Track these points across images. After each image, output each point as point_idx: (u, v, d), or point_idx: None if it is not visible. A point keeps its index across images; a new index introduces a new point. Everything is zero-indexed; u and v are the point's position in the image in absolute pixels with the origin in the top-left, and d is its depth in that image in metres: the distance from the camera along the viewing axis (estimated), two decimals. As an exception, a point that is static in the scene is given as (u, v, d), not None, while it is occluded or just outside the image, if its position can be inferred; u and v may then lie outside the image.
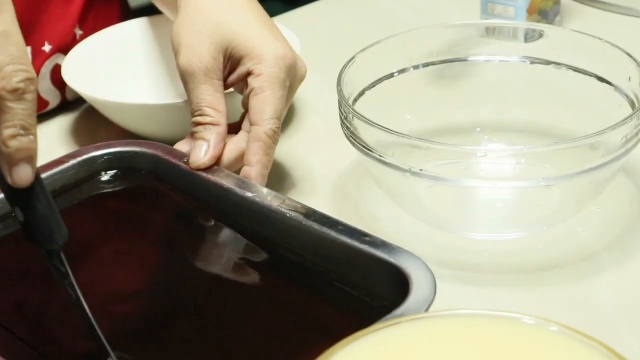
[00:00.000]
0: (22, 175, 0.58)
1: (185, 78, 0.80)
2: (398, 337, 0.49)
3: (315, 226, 0.69)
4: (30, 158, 0.58)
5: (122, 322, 0.69)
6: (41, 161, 0.78)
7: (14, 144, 0.57)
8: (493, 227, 0.78)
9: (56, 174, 0.78)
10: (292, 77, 0.80)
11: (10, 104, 0.56)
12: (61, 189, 0.78)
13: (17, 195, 0.59)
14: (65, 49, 0.97)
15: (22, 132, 0.57)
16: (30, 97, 0.57)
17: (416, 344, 0.49)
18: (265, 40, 0.80)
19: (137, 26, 1.01)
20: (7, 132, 0.57)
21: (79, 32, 0.99)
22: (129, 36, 1.01)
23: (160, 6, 0.98)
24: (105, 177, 0.80)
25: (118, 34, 1.01)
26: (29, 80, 0.57)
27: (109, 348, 0.62)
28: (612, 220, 0.79)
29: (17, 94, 0.56)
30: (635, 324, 0.69)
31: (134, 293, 0.72)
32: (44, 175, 0.76)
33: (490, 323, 0.49)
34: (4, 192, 0.59)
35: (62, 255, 0.61)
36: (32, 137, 0.58)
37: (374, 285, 0.65)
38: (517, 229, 0.78)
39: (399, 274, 0.63)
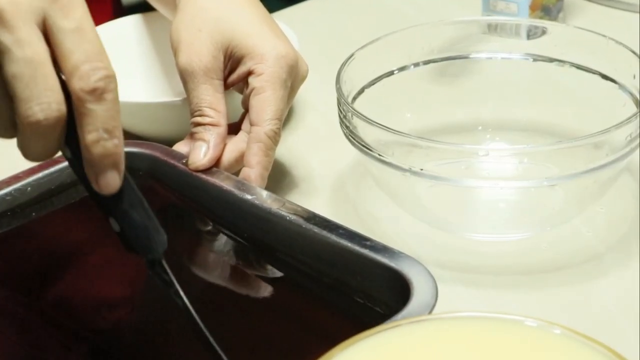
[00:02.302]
0: (110, 182, 0.55)
1: (185, 77, 0.79)
2: (398, 339, 0.49)
3: (315, 229, 0.69)
4: (117, 163, 0.55)
5: (118, 325, 0.69)
6: (28, 164, 0.78)
7: (97, 149, 0.54)
8: (495, 227, 0.78)
9: (51, 173, 0.78)
10: (294, 77, 0.80)
11: (90, 106, 0.54)
12: (57, 188, 0.78)
13: (109, 204, 0.56)
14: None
15: (105, 135, 0.54)
16: (111, 96, 0.54)
17: (416, 346, 0.49)
18: (266, 39, 0.80)
19: (130, 23, 1.01)
20: (90, 137, 0.54)
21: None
22: (122, 33, 1.01)
23: (155, 4, 0.98)
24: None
25: (112, 31, 1.00)
26: (107, 78, 0.54)
27: (224, 357, 0.59)
28: (616, 221, 0.79)
29: (96, 94, 0.54)
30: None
31: (129, 296, 0.72)
32: (38, 175, 0.77)
33: (492, 325, 0.49)
34: (95, 201, 0.57)
35: (164, 263, 0.58)
36: (116, 141, 0.55)
37: (374, 290, 0.65)
38: (519, 229, 0.78)
39: (400, 279, 0.63)
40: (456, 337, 0.49)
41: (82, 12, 0.55)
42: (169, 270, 0.58)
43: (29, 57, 0.53)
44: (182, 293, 0.58)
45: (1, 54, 0.53)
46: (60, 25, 0.54)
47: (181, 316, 0.68)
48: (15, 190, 0.76)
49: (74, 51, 0.54)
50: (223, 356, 0.58)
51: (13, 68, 0.53)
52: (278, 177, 0.86)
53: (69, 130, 0.55)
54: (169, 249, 0.75)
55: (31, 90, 0.53)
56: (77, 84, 0.53)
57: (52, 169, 0.78)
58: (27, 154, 0.56)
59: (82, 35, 0.54)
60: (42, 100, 0.53)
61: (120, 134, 0.55)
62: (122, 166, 0.56)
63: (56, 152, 0.56)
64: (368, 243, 0.66)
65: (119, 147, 0.55)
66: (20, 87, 0.53)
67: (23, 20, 0.53)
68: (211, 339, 0.59)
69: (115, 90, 0.54)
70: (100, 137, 0.54)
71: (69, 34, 0.54)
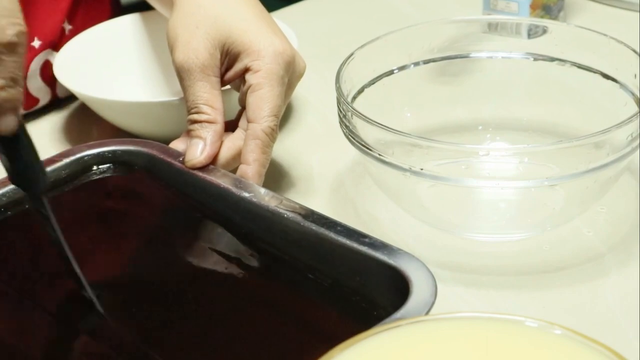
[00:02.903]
0: (9, 124, 0.62)
1: (181, 74, 0.79)
2: (397, 340, 0.49)
3: (313, 227, 0.69)
4: (16, 108, 0.62)
5: (109, 320, 0.69)
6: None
7: (1, 94, 0.61)
8: (495, 227, 0.78)
9: (48, 172, 0.78)
10: (291, 74, 0.80)
11: (2, 57, 0.59)
12: (53, 187, 0.78)
13: (3, 143, 0.64)
14: (54, 45, 0.97)
15: (10, 83, 0.60)
16: (22, 49, 0.60)
17: (416, 347, 0.49)
18: (263, 36, 0.80)
19: (129, 22, 1.01)
20: None
21: (67, 27, 0.99)
22: (121, 32, 1.01)
23: (153, 2, 0.98)
24: (98, 176, 0.80)
25: (110, 30, 1.01)
26: (22, 33, 0.60)
27: (86, 285, 0.68)
28: (617, 221, 0.79)
29: (10, 46, 0.59)
30: (641, 327, 0.69)
31: (125, 295, 0.72)
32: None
33: (493, 326, 0.49)
34: None
35: (44, 199, 0.67)
36: (19, 89, 0.61)
37: (373, 288, 0.65)
38: (520, 229, 0.78)
39: (399, 276, 0.63)
40: (456, 337, 0.49)
41: None
42: (47, 205, 0.67)
43: None
44: (56, 227, 0.67)
45: None
46: None
47: (178, 312, 0.68)
48: (12, 190, 0.77)
49: None
50: (85, 284, 0.68)
51: None
52: (277, 176, 0.86)
53: None
54: (167, 247, 0.75)
55: None
56: None
57: (47, 169, 0.78)
58: None
59: None
60: None
61: (22, 84, 0.62)
62: (20, 111, 0.63)
63: None
64: (366, 240, 0.66)
65: (20, 94, 0.62)
66: None
67: None
68: (78, 270, 0.68)
69: (25, 44, 0.61)
70: (7, 84, 0.60)
71: None
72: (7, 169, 0.66)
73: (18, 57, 0.60)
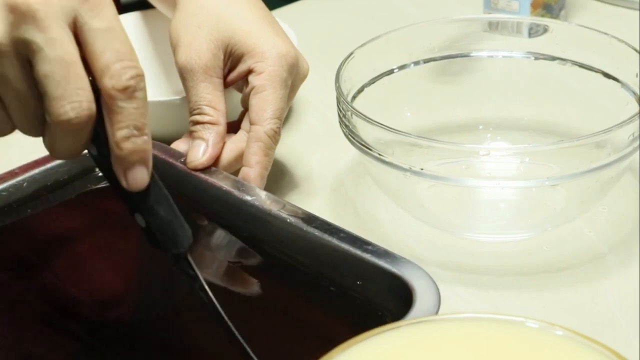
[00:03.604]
0: (138, 178, 0.57)
1: (184, 75, 0.79)
2: (398, 341, 0.49)
3: (316, 232, 0.68)
4: (145, 160, 0.57)
5: (111, 324, 0.69)
6: (33, 157, 0.78)
7: (127, 145, 0.56)
8: (496, 227, 0.78)
9: (48, 169, 0.78)
10: (294, 76, 0.80)
11: (121, 104, 0.55)
12: (54, 185, 0.78)
13: (135, 200, 0.58)
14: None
15: (135, 132, 0.56)
16: (141, 94, 0.56)
17: (416, 348, 0.49)
18: (267, 37, 0.80)
19: (129, 21, 1.01)
20: (120, 134, 0.56)
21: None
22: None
23: (154, 2, 0.98)
24: (99, 174, 0.80)
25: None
26: (138, 76, 0.56)
27: (251, 353, 0.61)
28: (618, 221, 0.79)
29: (128, 92, 0.55)
30: (642, 328, 0.69)
31: (123, 295, 0.72)
32: (35, 171, 0.77)
33: (493, 327, 0.49)
34: (121, 197, 0.59)
35: (190, 258, 0.60)
36: (145, 138, 0.57)
37: (376, 295, 0.65)
38: (520, 229, 0.78)
39: (402, 285, 0.63)
40: (457, 338, 0.49)
41: (112, 13, 0.57)
42: (194, 265, 0.60)
43: (61, 57, 0.55)
44: (207, 287, 0.60)
45: (34, 53, 0.55)
46: (92, 25, 0.56)
47: (178, 314, 0.68)
48: (11, 186, 0.77)
49: (105, 50, 0.56)
50: (249, 350, 0.60)
51: (45, 67, 0.55)
52: (277, 176, 0.86)
53: (96, 128, 0.56)
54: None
55: (63, 89, 0.55)
56: (109, 82, 0.55)
57: (48, 166, 0.78)
58: (54, 151, 0.58)
59: (113, 35, 0.56)
60: (74, 99, 0.55)
61: (149, 131, 0.57)
62: (150, 163, 0.57)
63: (83, 149, 0.58)
64: (370, 247, 0.66)
65: (148, 143, 0.57)
66: (52, 85, 0.55)
67: (55, 20, 0.55)
68: (236, 332, 0.60)
69: (144, 89, 0.56)
70: (131, 133, 0.56)
71: (100, 33, 0.56)
72: (143, 230, 0.59)
73: (139, 103, 0.56)
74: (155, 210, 0.58)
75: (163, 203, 0.59)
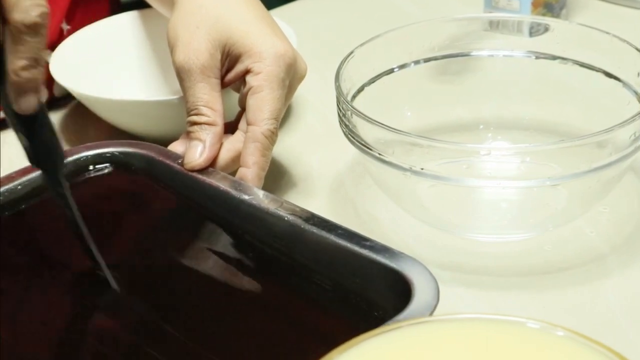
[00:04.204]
0: (30, 104, 0.64)
1: (181, 75, 0.79)
2: (398, 342, 0.49)
3: (314, 230, 0.69)
4: (37, 88, 0.64)
5: (110, 323, 0.69)
6: (25, 162, 0.78)
7: (25, 74, 0.63)
8: (497, 228, 0.78)
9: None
10: (292, 76, 0.80)
11: (26, 37, 0.61)
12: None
13: (22, 122, 0.66)
14: (52, 45, 0.97)
15: (33, 63, 0.63)
16: (44, 30, 0.62)
17: (416, 348, 0.49)
18: (265, 37, 0.80)
19: (126, 20, 1.01)
20: (20, 63, 0.62)
21: (66, 27, 0.99)
22: (118, 30, 1.01)
23: (152, 1, 0.98)
24: (96, 178, 0.80)
25: (107, 28, 1.01)
26: (45, 14, 0.62)
27: (103, 263, 0.70)
28: (620, 221, 0.79)
29: (34, 27, 0.61)
30: (644, 328, 0.69)
31: (123, 296, 0.72)
32: (31, 176, 0.77)
33: (494, 327, 0.49)
34: (10, 118, 0.66)
35: (61, 177, 0.69)
36: (41, 69, 0.63)
37: (374, 291, 0.65)
38: (521, 229, 0.78)
39: (401, 280, 0.63)
40: (458, 339, 0.49)
41: None
42: (64, 183, 0.69)
43: None
44: (73, 205, 0.69)
45: None
46: None
47: (177, 315, 0.68)
48: (7, 190, 0.77)
49: None
50: (101, 261, 0.70)
51: None
52: (276, 176, 0.86)
53: None
54: (165, 249, 0.75)
55: None
56: (18, 17, 0.61)
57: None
58: None
59: None
60: None
61: (43, 63, 0.64)
62: (41, 91, 0.65)
63: None
64: (368, 243, 0.66)
65: (41, 74, 0.64)
66: None
67: None
68: (95, 248, 0.70)
69: (47, 25, 0.62)
70: (30, 64, 0.63)
71: None
72: (26, 149, 0.67)
73: (41, 38, 0.62)
74: (38, 133, 0.66)
75: (45, 128, 0.67)
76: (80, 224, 0.70)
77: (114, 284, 0.70)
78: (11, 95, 0.64)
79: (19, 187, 0.78)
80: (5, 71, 0.63)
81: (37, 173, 0.77)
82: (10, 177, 0.78)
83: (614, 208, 0.80)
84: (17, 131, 0.67)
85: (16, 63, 0.62)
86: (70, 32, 0.99)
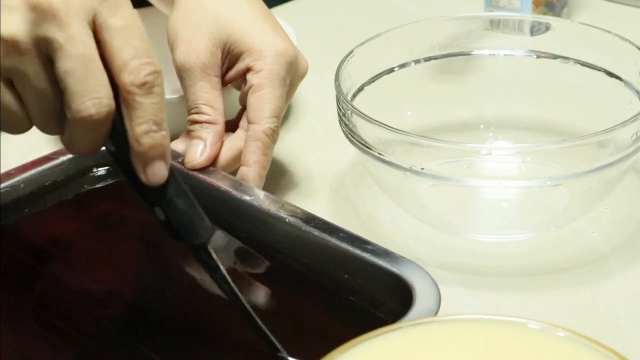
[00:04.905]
0: (158, 173, 0.59)
1: (182, 74, 0.79)
2: (398, 342, 0.49)
3: (315, 232, 0.68)
4: (164, 154, 0.59)
5: (106, 326, 0.69)
6: (28, 158, 0.78)
7: (146, 140, 0.58)
8: (497, 228, 0.78)
9: (45, 170, 0.78)
10: (293, 74, 0.80)
11: (139, 99, 0.58)
12: (51, 185, 0.78)
13: (155, 194, 0.60)
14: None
15: (154, 127, 0.58)
16: (159, 90, 0.58)
17: (416, 349, 0.49)
18: (266, 35, 0.80)
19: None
20: (140, 129, 0.58)
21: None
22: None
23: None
24: (96, 175, 0.80)
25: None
26: (156, 72, 0.58)
27: (276, 343, 0.63)
28: (621, 221, 0.79)
29: (146, 87, 0.58)
30: (645, 329, 0.70)
31: (120, 296, 0.72)
32: (32, 172, 0.77)
33: (495, 328, 0.50)
34: (140, 192, 0.60)
35: (210, 249, 0.62)
36: (163, 133, 0.59)
37: (375, 295, 0.65)
38: (522, 230, 0.78)
39: (402, 285, 0.63)
40: (458, 339, 0.49)
41: (130, 11, 0.59)
42: (214, 256, 0.62)
43: (81, 54, 0.57)
44: (228, 278, 0.62)
45: (55, 50, 0.57)
46: (110, 23, 0.58)
47: (176, 316, 0.68)
48: (8, 186, 0.77)
49: (124, 48, 0.58)
50: (273, 339, 0.62)
51: (66, 64, 0.57)
52: (276, 176, 0.86)
53: (115, 124, 0.59)
54: (165, 250, 0.75)
55: (83, 85, 0.57)
56: (128, 78, 0.57)
57: (44, 166, 0.78)
58: (73, 147, 0.60)
59: (131, 32, 0.58)
60: (94, 95, 0.57)
61: (167, 126, 0.59)
62: (169, 157, 0.60)
63: (102, 145, 0.60)
64: (369, 247, 0.66)
65: (166, 138, 0.59)
66: (73, 82, 0.57)
67: (75, 18, 0.57)
68: (259, 321, 0.62)
69: (162, 84, 0.59)
70: (150, 129, 0.58)
71: (119, 31, 0.58)
72: (162, 223, 0.61)
73: (157, 99, 0.58)
74: (174, 203, 0.60)
75: (182, 196, 0.61)
76: (242, 300, 0.63)
77: None
78: (137, 167, 0.59)
79: (21, 185, 0.77)
80: (127, 142, 0.59)
81: (36, 171, 0.77)
82: (8, 174, 0.78)
83: (615, 208, 0.80)
84: (149, 205, 0.61)
85: (136, 130, 0.58)
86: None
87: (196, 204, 0.61)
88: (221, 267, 0.62)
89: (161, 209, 0.60)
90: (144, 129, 0.58)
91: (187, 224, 0.61)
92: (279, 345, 0.63)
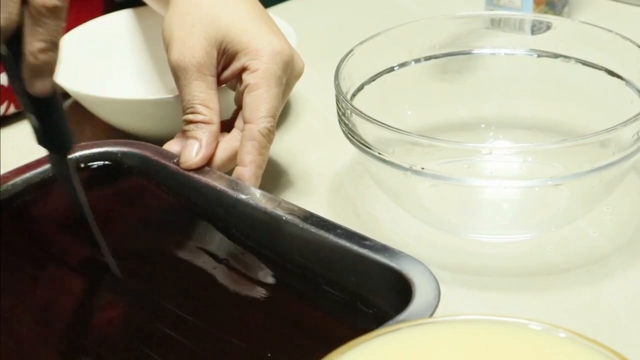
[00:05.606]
0: (44, 86, 0.66)
1: (177, 74, 0.80)
2: (398, 343, 0.49)
3: (312, 229, 0.69)
4: (53, 71, 0.66)
5: (107, 327, 0.69)
6: (24, 160, 0.78)
7: (42, 57, 0.65)
8: (498, 228, 0.78)
9: (40, 172, 0.78)
10: (289, 74, 0.80)
11: (45, 20, 0.64)
12: (47, 187, 0.78)
13: (35, 104, 0.67)
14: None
15: (51, 46, 0.65)
16: (64, 15, 0.65)
17: (417, 350, 0.49)
18: (261, 35, 0.80)
19: (122, 18, 1.01)
20: (39, 45, 0.64)
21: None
22: (114, 29, 1.01)
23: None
24: (91, 177, 0.80)
25: (103, 26, 1.01)
26: None
27: (106, 248, 0.71)
28: (623, 221, 0.79)
29: (54, 10, 0.64)
30: (647, 330, 0.70)
31: (120, 297, 0.72)
32: (27, 175, 0.77)
33: (495, 329, 0.50)
34: (22, 99, 0.67)
35: (67, 161, 0.71)
36: (57, 52, 0.66)
37: (374, 291, 0.65)
38: (523, 230, 0.78)
39: (401, 279, 0.63)
40: (458, 340, 0.49)
41: None
42: (70, 167, 0.71)
43: None
44: (78, 187, 0.71)
45: None
46: None
47: (175, 316, 0.68)
48: (3, 190, 0.77)
49: None
50: (103, 245, 0.71)
51: None
52: (274, 176, 0.86)
53: (17, 34, 0.65)
54: (163, 250, 0.75)
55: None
56: (40, 0, 0.63)
57: (40, 169, 0.78)
58: None
59: None
60: (6, 10, 0.63)
61: (59, 47, 0.66)
62: (55, 74, 0.66)
63: None
64: (367, 243, 0.66)
65: (58, 57, 0.66)
66: None
67: None
68: (95, 228, 0.72)
69: (66, 9, 0.65)
70: (47, 47, 0.65)
71: None
72: (36, 129, 0.68)
73: (60, 22, 0.64)
74: (50, 115, 0.68)
75: (57, 110, 0.69)
76: (84, 207, 0.71)
77: (115, 270, 0.71)
78: (26, 77, 0.65)
79: (19, 182, 0.78)
80: (22, 53, 0.65)
81: (35, 171, 0.78)
82: (5, 177, 0.78)
83: (616, 208, 0.80)
84: (28, 111, 0.68)
85: (34, 45, 0.64)
86: (64, 30, 0.99)
87: (66, 121, 0.69)
88: (74, 176, 0.71)
89: (37, 118, 0.68)
90: (42, 46, 0.64)
91: (56, 134, 0.69)
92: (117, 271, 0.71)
